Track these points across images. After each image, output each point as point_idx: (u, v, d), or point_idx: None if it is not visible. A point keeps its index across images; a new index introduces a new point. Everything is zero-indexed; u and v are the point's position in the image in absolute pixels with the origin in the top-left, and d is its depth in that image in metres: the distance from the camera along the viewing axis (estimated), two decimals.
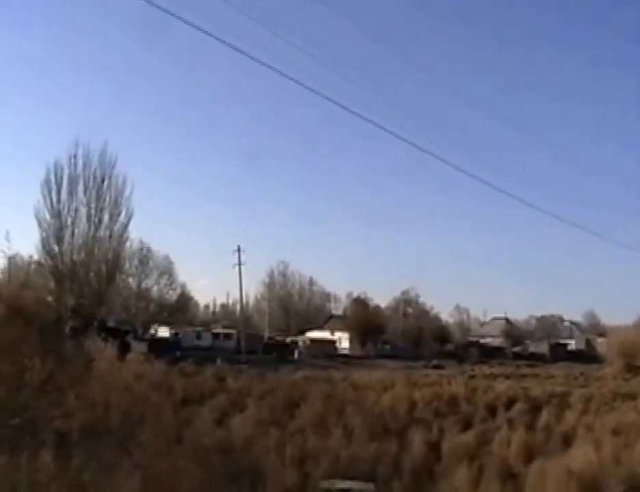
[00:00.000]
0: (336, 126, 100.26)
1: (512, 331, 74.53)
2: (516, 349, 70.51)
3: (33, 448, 6.83)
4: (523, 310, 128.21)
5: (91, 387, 7.12)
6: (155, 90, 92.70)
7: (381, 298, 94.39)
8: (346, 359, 53.19)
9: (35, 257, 35.28)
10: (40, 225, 34.91)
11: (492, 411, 19.34)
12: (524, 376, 38.83)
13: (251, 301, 76.00)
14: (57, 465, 6.88)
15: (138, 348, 28.37)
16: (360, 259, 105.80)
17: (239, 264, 52.56)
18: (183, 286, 56.65)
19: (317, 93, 15.12)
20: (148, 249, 50.66)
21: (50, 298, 6.31)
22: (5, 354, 6.37)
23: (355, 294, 72.77)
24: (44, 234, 34.95)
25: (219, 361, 34.06)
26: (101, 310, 35.02)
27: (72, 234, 35.06)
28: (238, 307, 64.90)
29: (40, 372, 6.64)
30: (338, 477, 11.27)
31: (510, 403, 21.09)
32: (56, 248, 34.78)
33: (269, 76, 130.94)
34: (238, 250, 52.18)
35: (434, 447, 12.82)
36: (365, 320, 61.54)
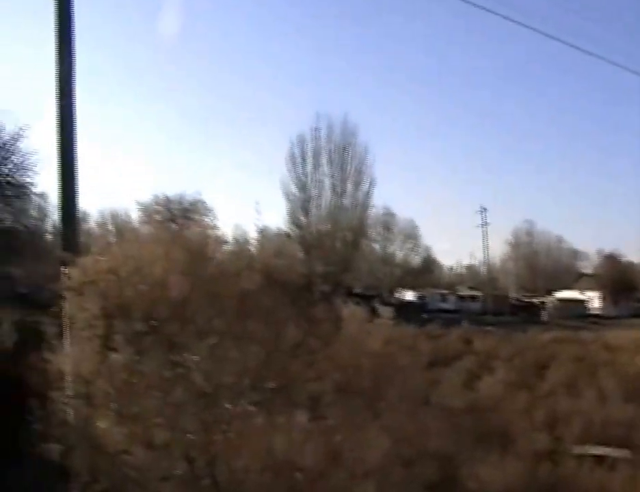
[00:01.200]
0: None
1: None
2: None
3: (287, 409, 7.25)
4: None
5: (342, 349, 7.42)
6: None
7: (634, 254, 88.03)
8: (597, 319, 50.58)
9: (284, 228, 37.43)
10: (286, 197, 37.04)
11: None
12: None
13: (497, 262, 74.58)
14: (311, 425, 7.28)
15: (384, 312, 29.09)
16: (610, 214, 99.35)
17: (483, 225, 51.88)
18: (427, 249, 57.04)
19: None
20: (392, 215, 51.58)
21: (300, 266, 6.73)
22: (262, 321, 6.82)
23: (605, 251, 68.63)
24: (291, 206, 37.02)
25: (464, 324, 33.97)
26: (347, 277, 36.39)
27: (318, 204, 36.79)
28: (483, 268, 64.16)
29: (294, 337, 7.04)
30: (591, 442, 10.85)
31: None
32: (303, 219, 36.69)
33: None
34: (482, 210, 51.47)
35: None
36: (617, 278, 57.83)
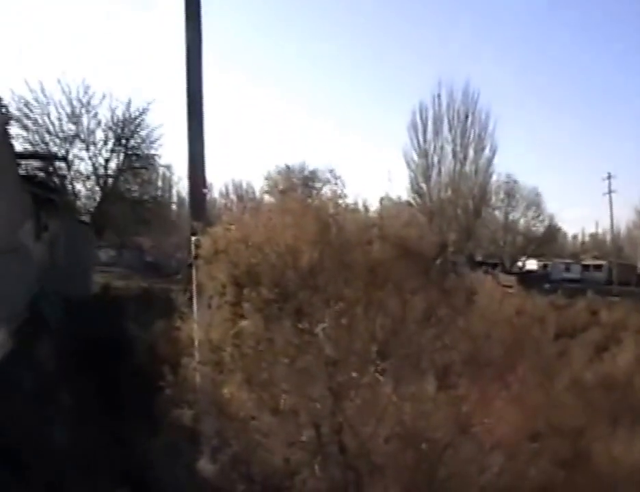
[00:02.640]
0: None
1: None
2: None
3: (416, 379, 7.17)
4: None
5: (472, 319, 7.23)
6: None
7: None
8: None
9: (405, 197, 37.23)
10: (408, 166, 36.83)
11: None
12: None
13: (623, 230, 71.37)
14: (439, 395, 7.16)
15: (507, 281, 28.49)
16: None
17: (609, 192, 49.78)
18: (551, 217, 55.10)
19: None
20: (515, 182, 50.18)
21: (431, 236, 6.62)
22: (391, 290, 6.73)
23: None
24: (412, 174, 36.76)
25: (589, 294, 32.80)
26: (469, 245, 35.83)
27: (439, 172, 36.34)
28: (608, 237, 61.63)
29: (423, 306, 6.91)
30: None
31: None
32: (424, 187, 36.34)
33: None
34: (609, 177, 49.36)
35: None
36: None
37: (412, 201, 35.65)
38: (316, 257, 6.88)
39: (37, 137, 28.39)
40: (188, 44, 9.53)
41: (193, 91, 9.54)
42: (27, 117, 27.92)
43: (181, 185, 38.15)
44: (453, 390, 7.27)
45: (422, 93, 43.27)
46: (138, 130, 29.99)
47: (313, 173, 43.37)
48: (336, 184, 37.22)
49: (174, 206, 39.64)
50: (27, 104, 27.83)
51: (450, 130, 36.83)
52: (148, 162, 31.23)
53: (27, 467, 8.16)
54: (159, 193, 36.73)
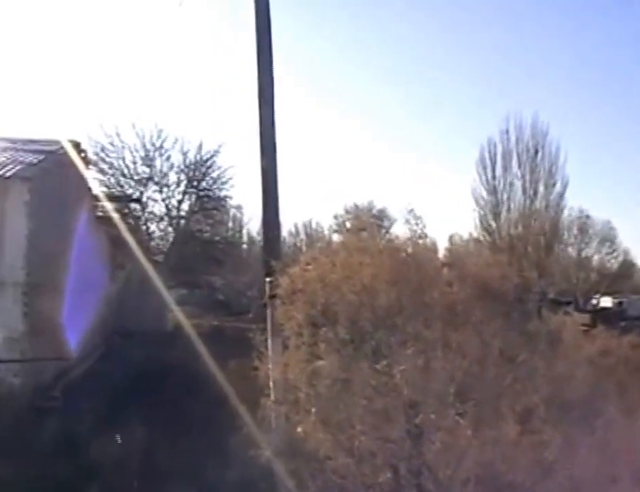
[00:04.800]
0: None
1: None
2: None
3: (496, 422, 7.00)
4: None
5: (555, 361, 7.06)
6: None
7: None
8: None
9: (474, 234, 36.79)
10: (476, 202, 36.40)
11: None
12: None
13: None
14: (521, 439, 6.98)
15: (582, 319, 27.78)
16: None
17: None
18: (626, 252, 53.60)
19: None
20: (587, 216, 49.00)
21: (512, 276, 6.49)
22: (471, 331, 6.63)
23: None
24: (481, 212, 36.33)
25: None
26: (541, 282, 35.11)
27: (509, 208, 35.84)
28: None
29: (504, 348, 6.78)
30: None
31: None
32: (493, 224, 35.87)
33: None
34: None
35: None
36: None
37: (481, 239, 35.30)
38: (394, 297, 6.84)
39: (112, 180, 29.34)
40: (260, 83, 9.70)
41: (266, 129, 9.68)
42: (103, 160, 28.91)
43: (252, 225, 38.68)
44: (536, 434, 7.07)
45: (490, 129, 42.88)
46: (209, 171, 30.67)
47: (382, 211, 43.41)
48: (415, 223, 37.06)
49: (244, 246, 40.14)
50: (103, 148, 28.83)
51: (519, 165, 36.39)
52: (219, 203, 31.84)
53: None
54: (230, 232, 37.28)
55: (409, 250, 7.12)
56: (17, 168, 14.84)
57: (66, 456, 9.32)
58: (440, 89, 67.25)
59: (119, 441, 9.82)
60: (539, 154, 36.30)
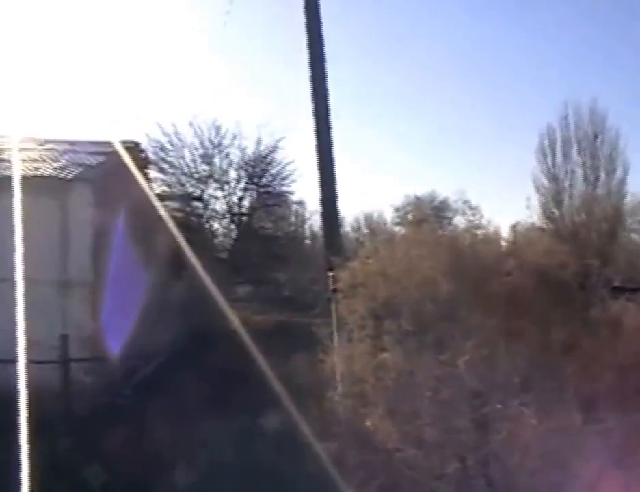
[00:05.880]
0: None
1: None
2: None
3: (560, 411, 7.01)
4: None
5: (617, 350, 7.03)
6: None
7: None
8: None
9: (537, 223, 36.18)
10: (537, 190, 35.83)
11: None
12: None
13: None
14: (586, 427, 6.98)
15: None
16: None
17: None
18: None
19: None
20: None
21: (572, 264, 6.46)
22: (532, 320, 6.67)
23: None
24: (543, 199, 35.77)
25: None
26: (606, 270, 34.48)
27: (570, 196, 35.22)
28: None
29: (566, 336, 6.80)
30: None
31: None
32: (555, 211, 35.29)
33: None
34: None
35: None
36: None
37: (544, 227, 34.74)
38: (454, 289, 6.92)
39: (173, 179, 29.71)
40: (313, 75, 9.81)
41: (321, 123, 9.79)
42: (163, 160, 29.32)
43: (314, 220, 38.78)
44: (600, 422, 7.07)
45: (549, 117, 42.17)
46: (269, 167, 30.81)
47: (444, 202, 43.03)
48: (472, 214, 36.77)
49: (307, 241, 40.26)
50: (162, 147, 29.26)
51: (579, 152, 35.75)
52: (280, 199, 31.97)
53: None
54: (292, 228, 37.42)
55: (467, 241, 7.18)
56: (78, 170, 15.25)
57: (136, 451, 9.61)
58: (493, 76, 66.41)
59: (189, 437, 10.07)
60: (599, 140, 35.56)
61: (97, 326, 14.51)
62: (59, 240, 14.60)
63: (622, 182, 35.65)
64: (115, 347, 14.63)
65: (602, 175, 35.42)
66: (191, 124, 29.72)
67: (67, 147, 17.23)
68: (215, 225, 31.02)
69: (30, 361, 5.17)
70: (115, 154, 16.67)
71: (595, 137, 35.53)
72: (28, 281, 5.57)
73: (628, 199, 39.72)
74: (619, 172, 35.51)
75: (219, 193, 30.64)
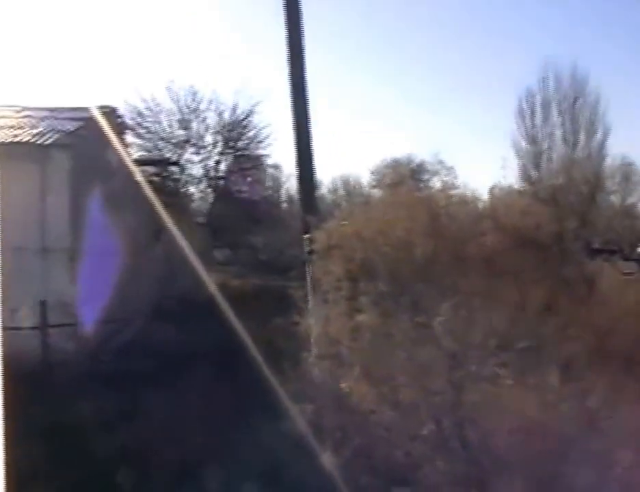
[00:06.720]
0: None
1: None
2: None
3: (537, 371, 7.00)
4: None
5: (595, 310, 7.00)
6: None
7: None
8: None
9: (515, 185, 36.29)
10: (516, 153, 35.90)
11: None
12: None
13: None
14: (563, 388, 6.97)
15: (627, 268, 27.34)
16: None
17: None
18: None
19: None
20: (631, 164, 47.96)
21: (548, 224, 6.41)
22: (508, 281, 6.62)
23: None
24: (521, 162, 35.83)
25: None
26: (585, 232, 34.63)
27: (549, 158, 35.28)
28: None
29: (543, 297, 6.75)
30: None
31: None
32: (534, 174, 35.38)
33: None
34: None
35: None
36: None
37: (523, 189, 34.78)
38: (430, 250, 6.85)
39: (150, 144, 29.57)
40: (290, 39, 9.63)
41: (297, 84, 9.64)
42: (140, 125, 29.13)
43: (290, 183, 38.77)
44: (577, 382, 7.06)
45: (528, 78, 42.01)
46: (245, 131, 30.73)
47: (421, 165, 42.98)
48: (446, 175, 36.81)
49: (284, 204, 40.26)
50: (139, 113, 29.03)
51: (559, 114, 35.74)
52: (256, 162, 31.94)
53: None
54: (269, 192, 37.42)
55: (443, 202, 7.09)
56: (56, 136, 15.06)
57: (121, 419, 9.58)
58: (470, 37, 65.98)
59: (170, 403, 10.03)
60: (579, 102, 35.56)
61: (76, 292, 14.41)
62: (37, 206, 14.48)
63: (602, 144, 35.84)
64: (94, 312, 14.58)
65: (582, 137, 35.52)
66: (168, 90, 29.57)
67: (45, 113, 17.07)
68: (192, 189, 30.98)
69: (7, 328, 5.03)
70: (92, 119, 16.51)
71: (576, 99, 35.55)
72: (6, 248, 5.44)
73: (609, 161, 40.04)
74: (599, 135, 35.68)
75: (195, 158, 30.61)
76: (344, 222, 7.41)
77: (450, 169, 38.93)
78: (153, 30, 41.54)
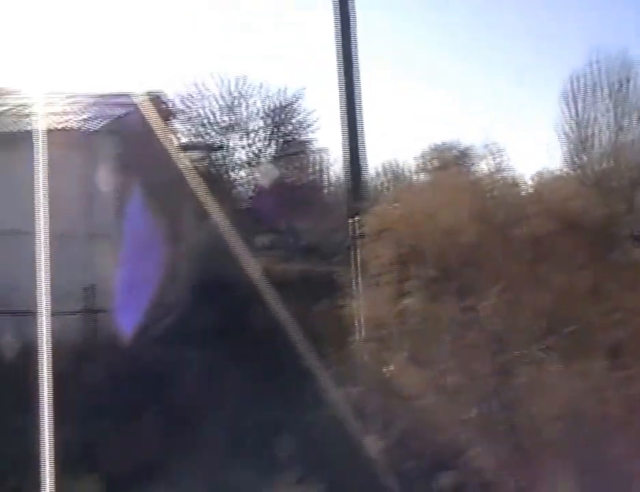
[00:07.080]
0: None
1: None
2: None
3: (584, 356, 6.97)
4: None
5: None
6: None
7: None
8: None
9: (562, 169, 35.69)
10: (563, 138, 35.33)
11: None
12: None
13: None
14: (610, 373, 6.93)
15: None
16: None
17: None
18: None
19: None
20: None
21: (597, 209, 6.39)
22: (556, 265, 6.60)
23: None
24: (567, 147, 35.25)
25: None
26: (630, 217, 34.08)
27: (595, 143, 34.63)
28: None
29: (588, 282, 6.72)
30: None
31: None
32: (580, 159, 34.78)
33: None
34: None
35: None
36: None
37: (568, 174, 34.26)
38: (478, 234, 6.86)
39: (195, 130, 29.67)
40: (340, 21, 9.57)
41: (347, 69, 9.61)
42: (186, 111, 29.24)
43: (337, 167, 38.63)
44: (624, 368, 7.03)
45: (575, 62, 41.21)
46: (292, 116, 30.65)
47: (468, 148, 42.45)
48: (496, 158, 36.37)
49: (331, 189, 40.16)
50: (185, 98, 29.15)
51: (605, 99, 35.07)
52: (303, 147, 31.86)
53: None
54: (316, 176, 37.33)
55: (489, 186, 7.09)
56: (103, 122, 15.24)
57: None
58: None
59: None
60: (627, 87, 34.81)
61: (121, 277, 14.61)
62: (84, 192, 14.67)
63: None
64: (139, 297, 14.76)
65: (629, 122, 34.81)
66: (214, 75, 29.61)
67: (92, 100, 17.23)
68: (237, 174, 31.02)
69: (55, 313, 5.16)
70: (139, 105, 16.63)
71: (623, 83, 34.85)
72: (54, 234, 5.59)
73: None
74: None
75: (241, 143, 30.59)
76: (393, 205, 7.45)
77: (499, 152, 38.45)
78: (199, 15, 41.56)
